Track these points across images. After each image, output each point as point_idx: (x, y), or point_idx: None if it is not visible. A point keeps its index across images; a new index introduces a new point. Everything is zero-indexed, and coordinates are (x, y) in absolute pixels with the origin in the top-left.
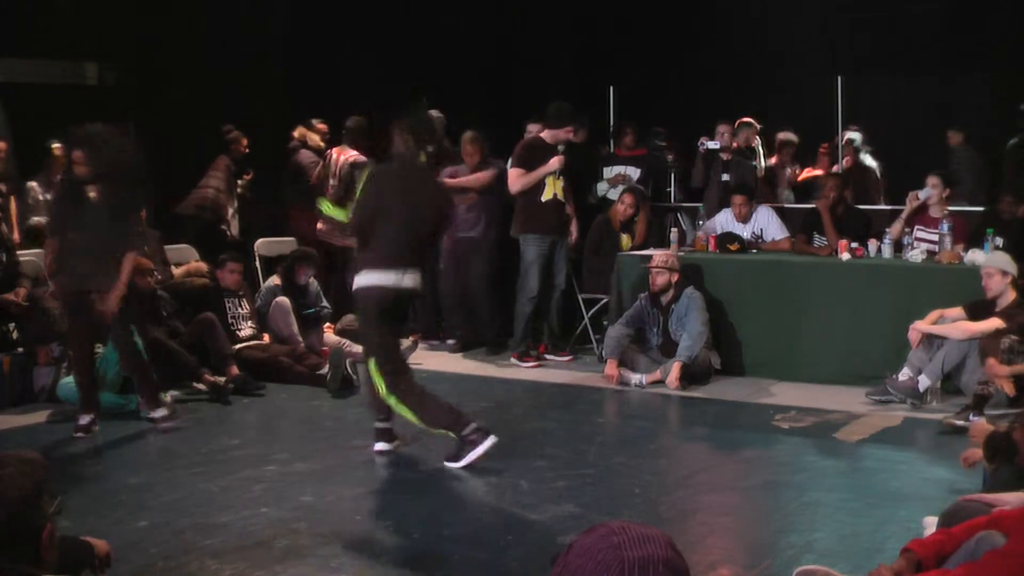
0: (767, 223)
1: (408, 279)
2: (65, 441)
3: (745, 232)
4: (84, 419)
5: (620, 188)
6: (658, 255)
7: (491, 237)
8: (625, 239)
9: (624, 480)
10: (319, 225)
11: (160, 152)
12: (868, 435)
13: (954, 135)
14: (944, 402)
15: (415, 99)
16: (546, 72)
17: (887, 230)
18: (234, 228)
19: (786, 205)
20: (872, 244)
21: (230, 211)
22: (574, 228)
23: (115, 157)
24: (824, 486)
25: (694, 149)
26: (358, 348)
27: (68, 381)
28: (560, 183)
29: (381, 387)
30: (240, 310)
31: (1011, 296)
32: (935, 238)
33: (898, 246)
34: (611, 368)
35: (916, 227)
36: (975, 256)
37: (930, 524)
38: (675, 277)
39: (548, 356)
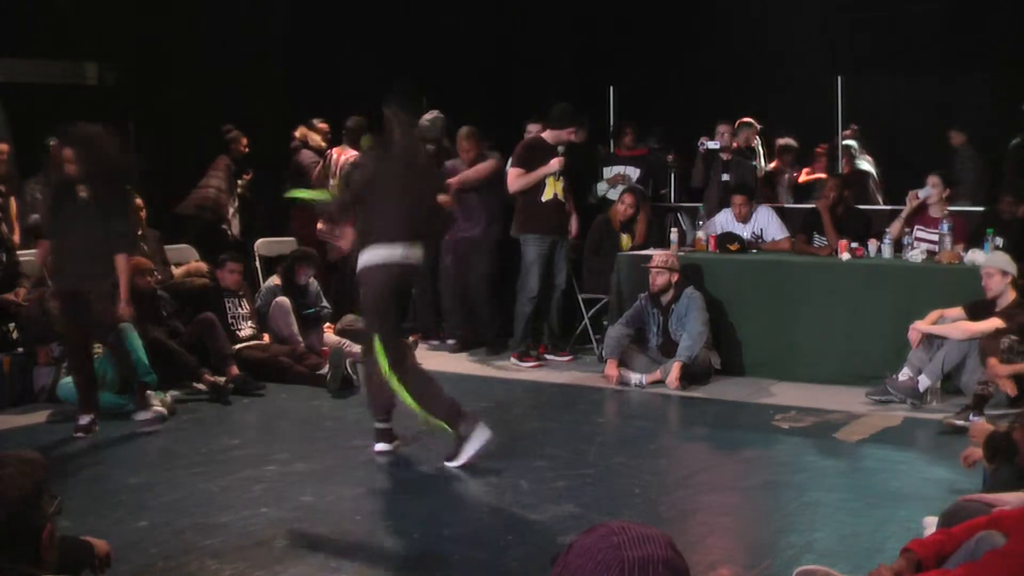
0: (767, 223)
1: (415, 253)
2: (65, 441)
3: (745, 232)
4: (84, 419)
5: (620, 188)
6: (658, 255)
7: (491, 237)
8: (625, 239)
9: (624, 480)
10: (319, 225)
11: (160, 152)
12: (868, 435)
13: (956, 135)
14: (944, 402)
15: (404, 89)
16: (546, 72)
17: (887, 230)
18: (235, 228)
19: (786, 205)
20: (872, 244)
21: (230, 211)
22: (574, 223)
23: (106, 157)
24: (824, 486)
25: (694, 149)
26: (358, 348)
27: (68, 381)
28: (560, 183)
29: (384, 365)
30: (240, 310)
31: (1011, 296)
32: (935, 238)
33: (898, 246)
34: (611, 368)
35: (916, 227)
36: (975, 256)
37: (930, 524)
38: (675, 277)
39: (548, 356)
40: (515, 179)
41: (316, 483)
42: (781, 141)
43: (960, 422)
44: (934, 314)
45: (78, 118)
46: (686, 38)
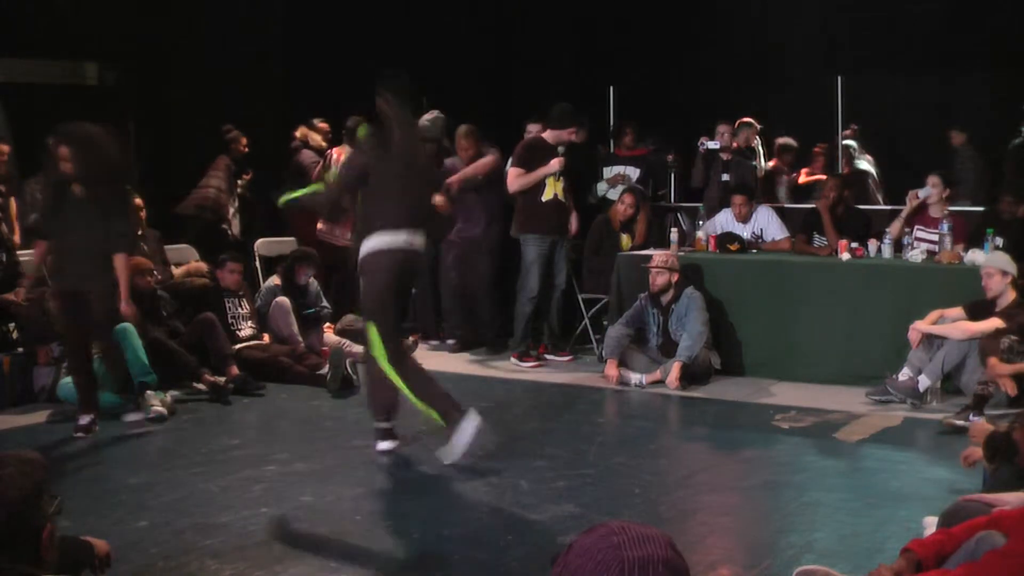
0: (767, 223)
1: (418, 240)
2: (65, 441)
3: (745, 232)
4: (84, 419)
5: (620, 188)
6: (658, 255)
7: (492, 237)
8: (625, 239)
9: (624, 480)
10: (319, 225)
11: (160, 152)
12: (868, 435)
13: (957, 135)
14: (944, 402)
15: (394, 74)
16: (546, 72)
17: (887, 230)
18: (235, 228)
19: (786, 205)
20: (872, 244)
21: (231, 211)
22: (574, 221)
23: (105, 158)
24: (824, 486)
25: (694, 149)
26: (358, 348)
27: (68, 381)
28: (560, 183)
29: (382, 356)
30: (240, 310)
31: (1011, 296)
32: (935, 238)
33: (898, 246)
34: (611, 368)
35: (916, 227)
36: (975, 256)
37: (930, 524)
38: (675, 277)
39: (548, 356)
40: (515, 179)
41: (316, 483)
42: (781, 141)
43: (960, 422)
44: (934, 314)
45: (78, 118)
46: (686, 38)
